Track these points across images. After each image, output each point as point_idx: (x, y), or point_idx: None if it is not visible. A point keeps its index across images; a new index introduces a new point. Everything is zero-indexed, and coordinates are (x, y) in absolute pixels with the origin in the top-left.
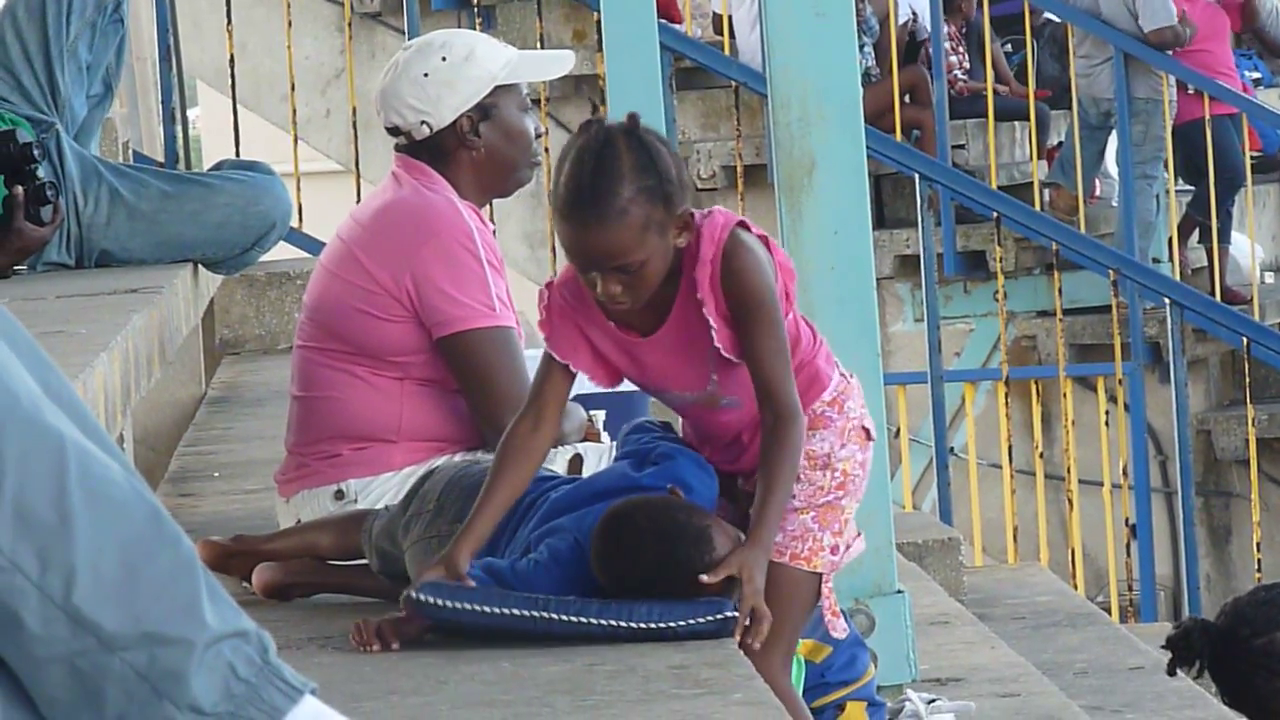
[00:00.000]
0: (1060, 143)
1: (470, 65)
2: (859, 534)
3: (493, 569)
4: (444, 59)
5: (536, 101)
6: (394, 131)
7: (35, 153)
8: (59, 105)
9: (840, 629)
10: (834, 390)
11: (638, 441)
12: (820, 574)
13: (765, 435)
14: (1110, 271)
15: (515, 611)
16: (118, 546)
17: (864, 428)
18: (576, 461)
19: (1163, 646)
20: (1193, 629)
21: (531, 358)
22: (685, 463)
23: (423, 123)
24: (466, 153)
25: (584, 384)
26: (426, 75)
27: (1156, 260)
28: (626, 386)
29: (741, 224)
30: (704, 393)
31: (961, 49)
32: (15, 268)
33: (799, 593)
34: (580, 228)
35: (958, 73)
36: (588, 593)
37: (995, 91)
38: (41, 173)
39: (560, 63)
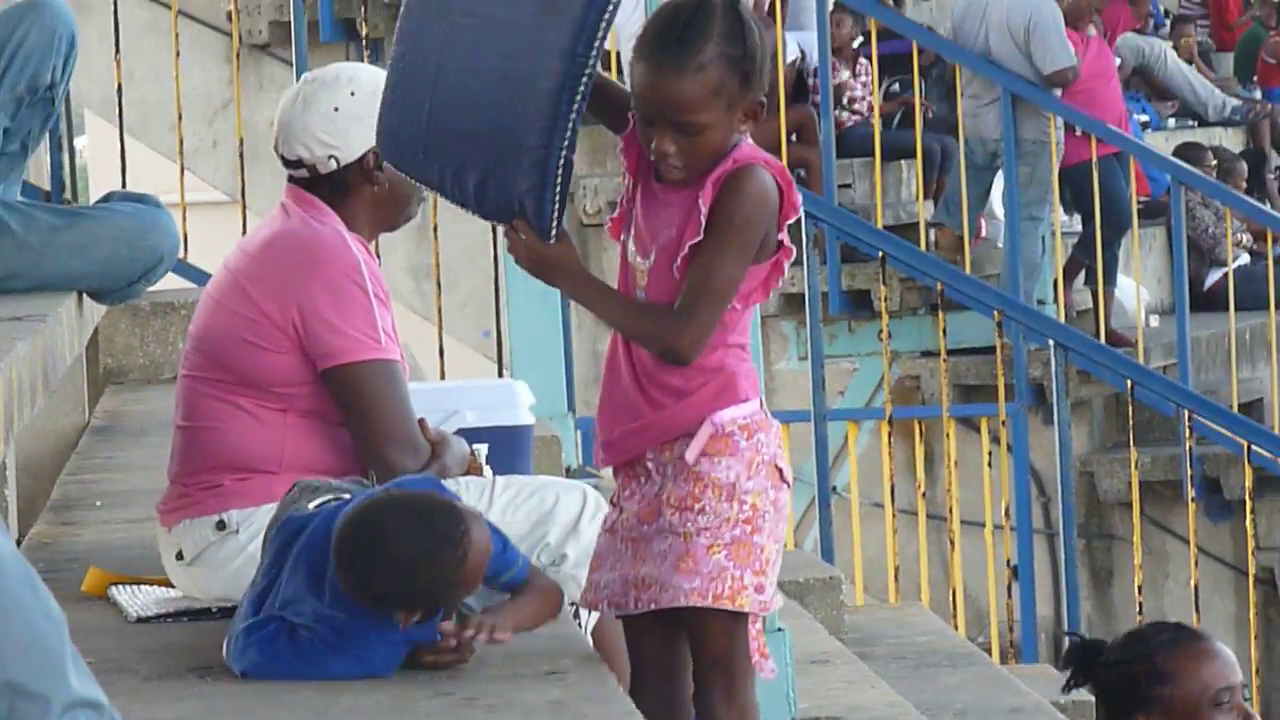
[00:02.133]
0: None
1: (378, 100)
2: (779, 595)
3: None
4: (353, 94)
5: None
6: (295, 164)
7: None
8: None
9: (769, 670)
10: (748, 415)
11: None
12: (747, 615)
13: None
14: (995, 312)
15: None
16: None
17: (777, 467)
18: None
19: (1066, 654)
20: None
21: (416, 392)
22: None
23: (330, 157)
24: (369, 188)
25: (465, 418)
26: (337, 110)
27: (1041, 302)
28: (509, 421)
29: (769, 164)
30: (645, 261)
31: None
32: None
33: (735, 636)
34: (656, 72)
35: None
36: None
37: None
38: None
39: None
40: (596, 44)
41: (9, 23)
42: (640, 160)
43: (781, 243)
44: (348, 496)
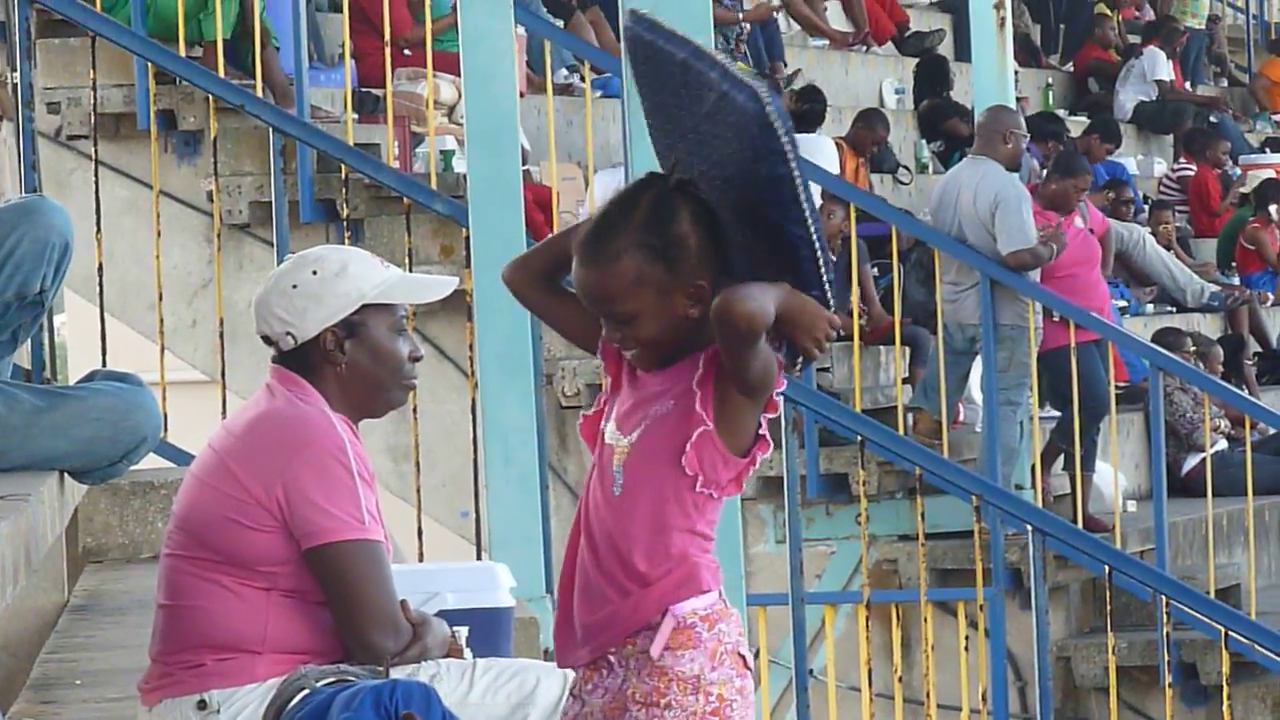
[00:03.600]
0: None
1: (340, 281)
2: None
3: None
4: (314, 273)
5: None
6: (266, 341)
7: None
8: None
9: None
10: (709, 606)
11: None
12: None
13: None
14: (973, 497)
15: None
16: None
17: (739, 654)
18: None
19: None
20: None
21: (397, 573)
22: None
23: (288, 333)
24: (331, 368)
25: (445, 599)
26: (295, 287)
27: (1019, 486)
28: (490, 603)
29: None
30: (629, 440)
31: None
32: None
33: None
34: (582, 268)
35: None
36: None
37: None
38: None
39: (439, 287)
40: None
41: (2, 227)
42: (616, 358)
43: (761, 436)
44: (354, 681)
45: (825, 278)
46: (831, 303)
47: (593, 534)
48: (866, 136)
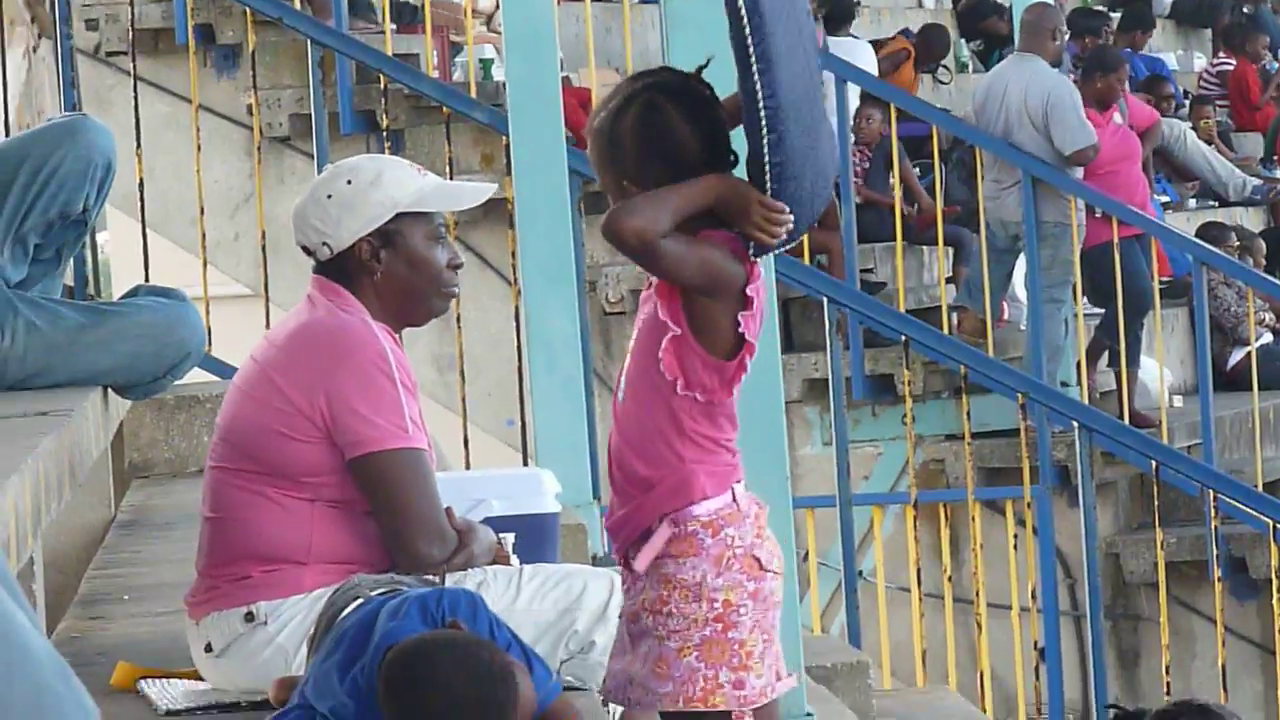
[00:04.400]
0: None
1: (374, 190)
2: (791, 674)
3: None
4: (349, 182)
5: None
6: (306, 251)
7: None
8: None
9: None
10: (712, 512)
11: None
12: (728, 712)
13: None
14: (1019, 395)
15: None
16: (25, 690)
17: (754, 556)
18: None
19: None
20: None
21: (442, 481)
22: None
23: (324, 244)
24: (368, 277)
25: (491, 506)
26: (330, 198)
27: (1065, 384)
28: (535, 509)
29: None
30: (631, 345)
31: (861, 169)
32: None
33: None
34: (587, 134)
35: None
36: None
37: (904, 214)
38: None
39: (474, 194)
40: None
41: (45, 146)
42: None
43: (743, 337)
44: (406, 589)
45: (763, 137)
46: (771, 170)
47: (612, 438)
48: (939, 49)
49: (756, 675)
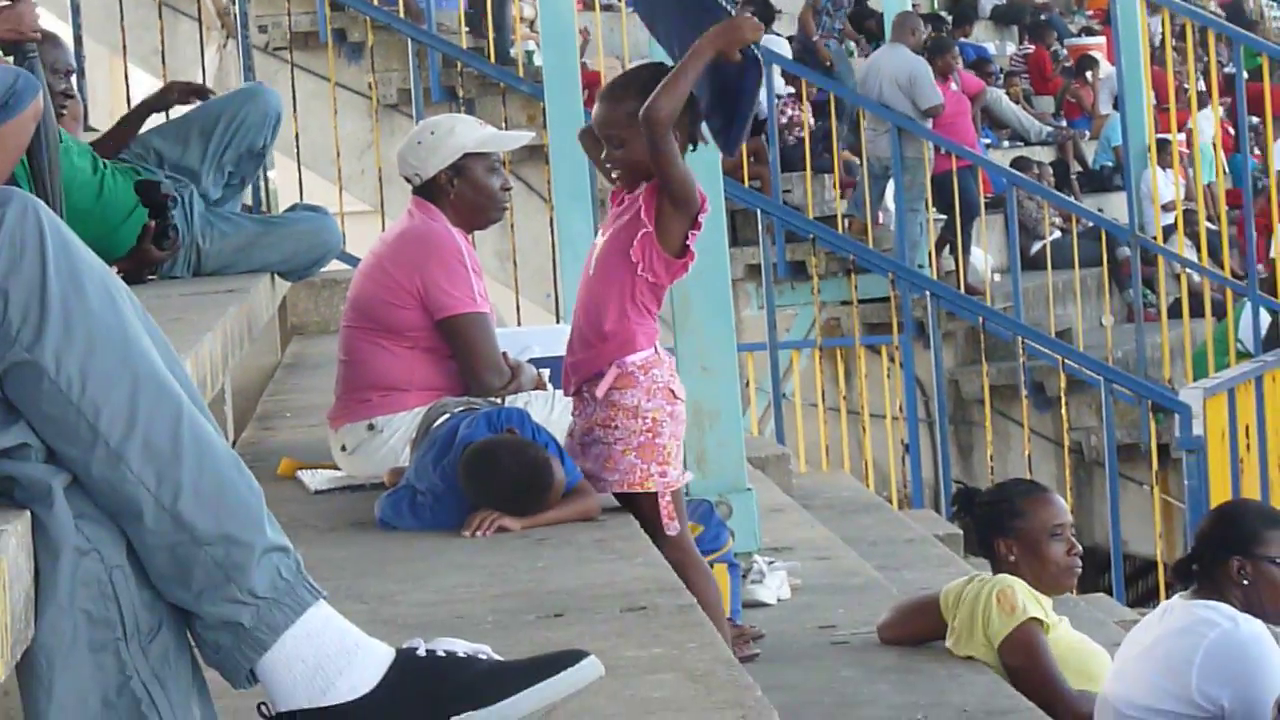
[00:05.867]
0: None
1: (449, 138)
2: (687, 471)
3: (400, 505)
4: (432, 133)
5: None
6: (406, 180)
7: (170, 203)
8: (198, 181)
9: (673, 530)
10: (644, 358)
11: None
12: (655, 492)
13: None
14: (889, 274)
15: None
16: (211, 475)
17: (669, 389)
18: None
19: (953, 498)
20: (969, 492)
21: (500, 335)
22: (507, 414)
23: (415, 175)
24: (446, 197)
25: (534, 350)
26: (419, 144)
27: (921, 266)
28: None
29: None
30: (603, 239)
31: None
32: (147, 277)
33: (648, 503)
34: (600, 102)
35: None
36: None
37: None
38: (174, 215)
39: (518, 140)
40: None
41: (236, 103)
42: (615, 194)
43: (688, 248)
44: (477, 407)
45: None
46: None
47: (577, 305)
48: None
49: (673, 468)
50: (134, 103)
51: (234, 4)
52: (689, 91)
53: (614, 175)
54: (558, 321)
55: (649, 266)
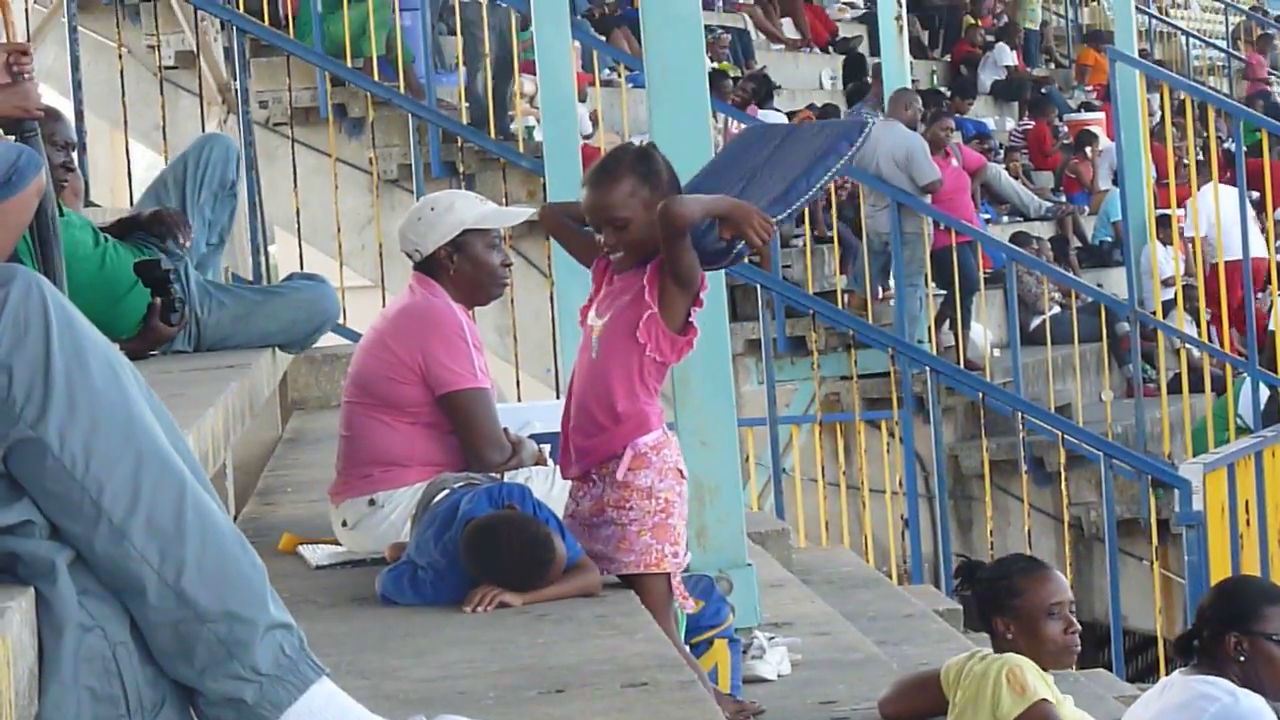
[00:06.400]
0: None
1: (449, 214)
2: (688, 552)
3: (401, 580)
4: (432, 209)
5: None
6: (407, 256)
7: (171, 276)
8: (189, 246)
9: (690, 607)
10: (656, 439)
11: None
12: (668, 573)
13: None
14: (889, 349)
15: None
16: (214, 552)
17: (678, 469)
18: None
19: (955, 570)
20: (972, 565)
21: (501, 410)
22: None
23: (415, 250)
24: (446, 273)
25: (534, 426)
26: (419, 220)
27: (920, 341)
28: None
29: None
30: (602, 321)
31: None
32: (150, 353)
33: (658, 586)
34: (589, 187)
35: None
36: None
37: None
38: (176, 289)
39: (516, 215)
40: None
41: (196, 148)
42: (602, 270)
43: (691, 324)
44: (477, 483)
45: (789, 210)
46: (776, 219)
47: (580, 388)
48: (833, 118)
49: (682, 548)
50: (134, 178)
51: (235, 79)
52: (704, 214)
53: (615, 256)
54: (558, 396)
55: (656, 347)
